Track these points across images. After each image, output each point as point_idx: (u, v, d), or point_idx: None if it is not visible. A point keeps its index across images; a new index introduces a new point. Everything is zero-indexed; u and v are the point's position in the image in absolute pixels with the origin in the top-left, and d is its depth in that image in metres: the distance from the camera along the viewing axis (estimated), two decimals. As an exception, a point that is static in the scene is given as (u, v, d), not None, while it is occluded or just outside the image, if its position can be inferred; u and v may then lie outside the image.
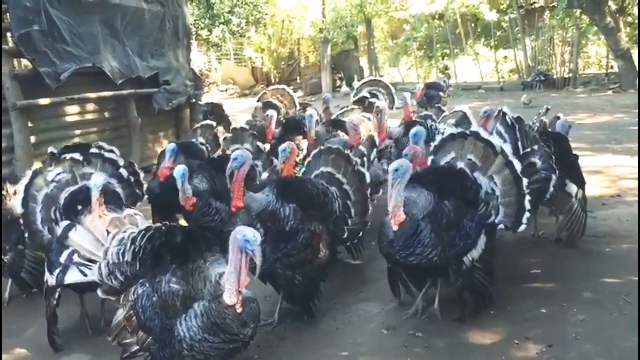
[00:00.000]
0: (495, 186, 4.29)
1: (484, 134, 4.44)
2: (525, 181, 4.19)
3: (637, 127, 11.38)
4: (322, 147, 5.17)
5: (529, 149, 4.84)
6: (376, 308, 4.59)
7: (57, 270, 3.94)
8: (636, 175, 7.75)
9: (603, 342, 3.83)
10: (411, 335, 4.10)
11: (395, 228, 4.02)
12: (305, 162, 5.25)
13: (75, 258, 3.94)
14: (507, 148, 4.31)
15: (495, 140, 4.39)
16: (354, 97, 10.20)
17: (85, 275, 3.91)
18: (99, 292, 3.59)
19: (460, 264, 4.10)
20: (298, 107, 10.91)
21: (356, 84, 11.16)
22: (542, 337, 3.94)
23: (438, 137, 5.06)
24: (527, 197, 4.18)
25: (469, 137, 4.49)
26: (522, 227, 4.25)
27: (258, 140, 6.91)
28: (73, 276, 3.94)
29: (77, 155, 5.00)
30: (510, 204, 4.24)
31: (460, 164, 4.47)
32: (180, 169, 5.16)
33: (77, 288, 4.14)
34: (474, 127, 4.84)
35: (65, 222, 4.04)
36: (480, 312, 4.25)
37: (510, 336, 3.99)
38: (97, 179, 4.24)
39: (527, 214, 4.21)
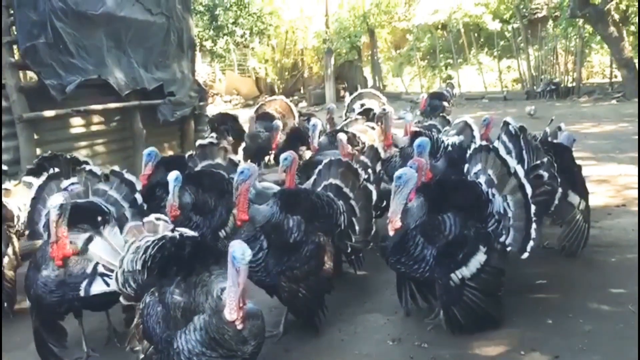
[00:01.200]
0: (508, 207, 4.21)
1: (502, 152, 4.39)
2: (533, 208, 4.10)
3: (640, 137, 11.42)
4: (332, 159, 5.16)
5: (538, 162, 4.80)
6: (381, 319, 4.58)
7: (85, 283, 3.88)
8: (641, 185, 7.76)
9: (609, 353, 3.81)
10: (417, 347, 4.09)
11: (391, 234, 4.13)
12: (316, 171, 5.20)
13: (100, 269, 3.91)
14: (520, 170, 4.23)
15: (511, 160, 4.32)
16: (345, 113, 10.14)
17: (108, 285, 3.87)
18: (121, 299, 3.60)
19: (447, 280, 4.07)
20: (297, 118, 10.96)
21: (347, 99, 11.03)
22: (549, 348, 3.92)
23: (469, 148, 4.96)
24: (534, 225, 4.10)
25: (491, 152, 4.45)
26: (526, 255, 4.14)
27: (230, 155, 6.43)
28: (98, 287, 3.89)
29: (96, 169, 4.94)
30: (519, 229, 4.16)
31: (482, 178, 4.43)
32: (174, 174, 4.96)
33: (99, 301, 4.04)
34: (496, 143, 4.76)
35: (86, 235, 3.97)
36: (474, 333, 4.16)
37: (516, 347, 3.98)
38: (55, 200, 3.91)
39: (531, 243, 4.11)
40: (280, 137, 9.54)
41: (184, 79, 10.60)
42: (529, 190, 4.12)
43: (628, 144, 11.05)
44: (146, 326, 3.31)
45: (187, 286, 3.24)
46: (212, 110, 13.16)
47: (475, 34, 27.12)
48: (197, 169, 6.07)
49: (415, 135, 6.62)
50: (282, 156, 5.25)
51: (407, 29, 28.33)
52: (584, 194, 5.45)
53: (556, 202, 4.94)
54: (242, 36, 26.19)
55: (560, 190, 4.95)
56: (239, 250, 2.95)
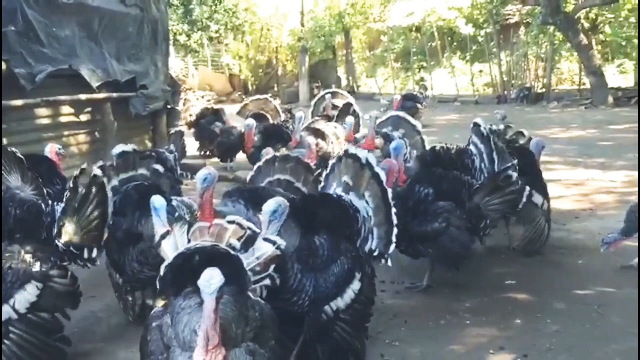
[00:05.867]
0: (367, 205, 3.85)
1: (351, 149, 4.03)
2: (390, 192, 3.78)
3: (608, 143, 11.73)
4: (276, 155, 5.08)
5: (509, 164, 4.83)
6: (353, 317, 4.57)
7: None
8: (609, 190, 7.98)
9: (576, 353, 3.89)
10: (388, 344, 4.10)
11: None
12: (254, 167, 5.04)
13: None
14: (372, 159, 3.87)
15: (361, 152, 3.94)
16: (312, 116, 10.07)
17: None
18: None
19: (319, 314, 3.48)
20: (282, 117, 10.98)
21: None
22: (517, 347, 3.98)
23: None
24: (394, 210, 3.73)
25: (343, 158, 4.08)
26: (392, 247, 3.75)
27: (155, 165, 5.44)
28: None
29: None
30: (381, 223, 3.79)
31: (338, 189, 4.04)
32: (160, 200, 3.92)
33: None
34: (345, 144, 4.57)
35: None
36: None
37: (485, 346, 4.03)
38: None
39: (395, 230, 3.72)
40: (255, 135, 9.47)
41: (157, 72, 10.45)
42: (383, 176, 3.80)
43: (595, 149, 11.32)
44: None
45: (171, 310, 2.65)
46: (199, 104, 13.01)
47: (449, 38, 27.43)
48: (115, 183, 4.87)
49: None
50: (263, 152, 5.33)
51: (381, 30, 28.53)
52: (546, 195, 5.60)
53: (524, 200, 5.02)
54: (216, 31, 26.00)
55: (527, 188, 5.05)
56: (205, 277, 2.37)
